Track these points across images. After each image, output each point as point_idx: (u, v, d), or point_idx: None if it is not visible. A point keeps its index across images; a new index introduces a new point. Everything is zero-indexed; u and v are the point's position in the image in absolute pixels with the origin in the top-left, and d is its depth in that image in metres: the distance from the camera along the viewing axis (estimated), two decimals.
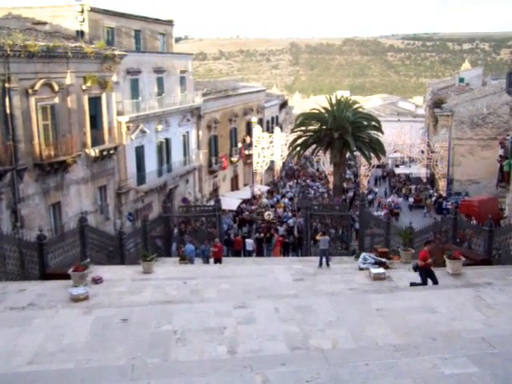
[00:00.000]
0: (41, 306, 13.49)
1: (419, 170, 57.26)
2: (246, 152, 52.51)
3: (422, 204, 47.49)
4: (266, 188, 51.82)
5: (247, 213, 40.60)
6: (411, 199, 48.96)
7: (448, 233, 22.69)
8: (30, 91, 24.92)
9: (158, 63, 37.46)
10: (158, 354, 9.86)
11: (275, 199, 46.77)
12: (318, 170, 64.14)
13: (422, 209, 46.04)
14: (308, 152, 48.02)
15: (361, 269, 19.02)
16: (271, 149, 51.42)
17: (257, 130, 52.33)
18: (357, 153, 45.51)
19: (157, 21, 40.52)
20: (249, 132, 53.74)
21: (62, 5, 32.30)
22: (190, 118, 41.45)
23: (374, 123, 43.71)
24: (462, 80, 66.30)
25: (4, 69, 23.42)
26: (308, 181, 57.07)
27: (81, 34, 31.66)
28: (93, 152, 29.60)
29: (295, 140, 44.71)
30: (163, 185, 37.34)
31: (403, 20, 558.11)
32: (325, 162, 51.15)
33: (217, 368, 8.92)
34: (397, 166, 66.84)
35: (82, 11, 31.38)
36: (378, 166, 56.10)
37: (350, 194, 48.65)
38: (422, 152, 50.22)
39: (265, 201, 45.47)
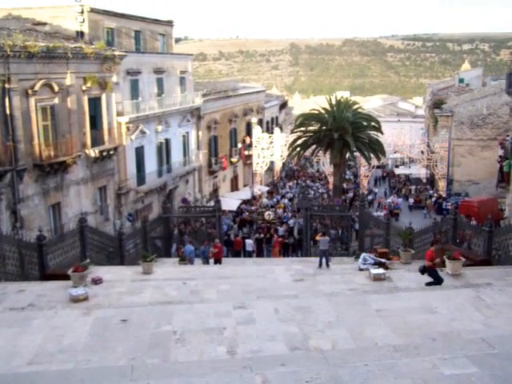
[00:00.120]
0: (40, 307, 13.48)
1: (419, 171, 57.31)
2: (246, 152, 52.54)
3: (422, 204, 47.49)
4: (266, 188, 51.85)
5: (247, 213, 40.61)
6: (411, 200, 48.98)
7: (448, 233, 22.66)
8: (29, 92, 24.92)
9: (158, 64, 37.48)
10: (157, 354, 9.86)
11: (275, 200, 46.78)
12: (318, 171, 64.16)
13: (422, 209, 46.03)
14: (308, 152, 48.03)
15: (360, 269, 19.00)
16: (271, 149, 51.43)
17: (257, 130, 52.35)
18: (357, 153, 45.55)
19: (157, 21, 40.54)
20: (249, 132, 53.77)
21: (62, 5, 32.30)
22: (189, 118, 41.46)
23: (373, 124, 43.71)
24: (461, 80, 66.38)
25: (4, 69, 23.44)
26: (308, 181, 57.09)
27: (81, 34, 31.67)
28: (93, 152, 29.61)
29: (295, 140, 44.70)
30: (163, 185, 37.35)
31: (403, 20, 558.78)
32: (325, 162, 51.18)
33: (216, 368, 8.92)
34: (397, 166, 66.92)
35: (82, 12, 31.39)
36: (378, 167, 56.13)
37: (350, 194, 48.67)
38: (422, 152, 50.25)
39: (265, 201, 45.48)
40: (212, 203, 32.70)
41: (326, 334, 10.79)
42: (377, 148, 42.80)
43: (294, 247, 32.25)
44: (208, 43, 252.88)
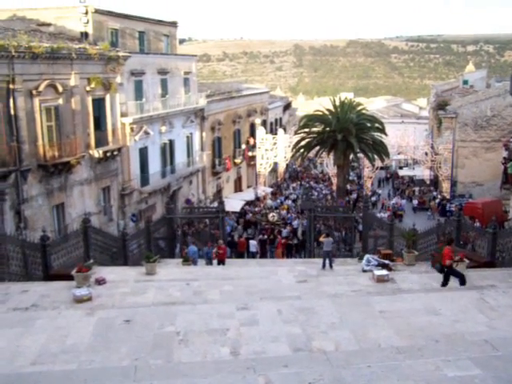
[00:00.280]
0: (44, 307, 13.50)
1: (423, 172, 57.24)
2: (250, 153, 52.55)
3: (426, 206, 47.38)
4: (270, 189, 51.85)
5: (251, 214, 40.61)
6: (415, 201, 48.86)
7: (452, 235, 22.62)
8: (34, 92, 24.97)
9: (162, 65, 37.52)
10: (160, 355, 9.86)
11: (279, 201, 46.76)
12: (322, 172, 64.12)
13: (426, 211, 45.94)
14: (311, 154, 47.95)
15: (364, 271, 18.98)
16: (275, 150, 51.43)
17: (260, 131, 52.37)
18: (360, 155, 45.43)
19: (161, 22, 40.57)
20: (252, 134, 53.78)
21: (67, 6, 32.33)
22: (193, 119, 41.50)
23: (377, 125, 43.64)
24: (466, 82, 66.19)
25: (8, 70, 23.49)
26: (311, 182, 57.06)
27: (85, 35, 31.70)
28: (96, 153, 29.66)
29: (299, 142, 44.66)
30: (167, 186, 37.39)
31: (407, 22, 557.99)
32: (328, 163, 51.15)
33: (219, 369, 8.93)
34: (400, 167, 66.84)
35: (87, 13, 31.43)
36: (382, 168, 56.06)
37: (354, 195, 48.64)
38: (426, 154, 50.19)
39: (269, 202, 45.50)
40: (215, 204, 32.71)
41: (329, 335, 10.78)
42: (380, 149, 42.74)
43: (297, 248, 32.24)
44: (212, 44, 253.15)
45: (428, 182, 56.40)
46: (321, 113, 44.61)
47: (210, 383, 8.38)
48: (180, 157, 39.91)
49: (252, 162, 53.25)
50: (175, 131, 38.94)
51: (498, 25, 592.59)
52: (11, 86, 23.62)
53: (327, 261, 20.35)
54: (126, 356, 9.82)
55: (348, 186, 50.09)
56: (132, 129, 33.01)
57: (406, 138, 50.63)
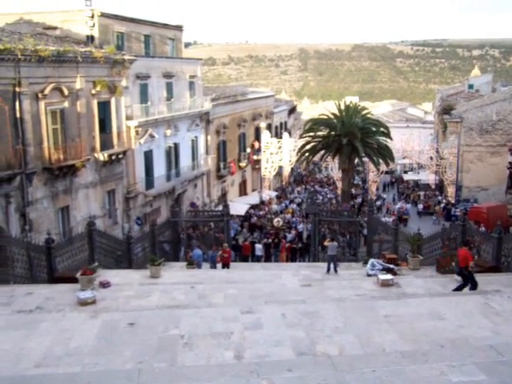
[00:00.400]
0: (48, 310, 13.52)
1: (428, 177, 57.11)
2: (255, 157, 52.57)
3: (431, 211, 47.28)
4: (274, 193, 51.85)
5: (255, 218, 40.61)
6: (420, 206, 48.76)
7: (457, 239, 22.57)
8: (39, 95, 25.06)
9: (168, 68, 37.60)
10: (164, 358, 9.86)
11: (283, 205, 46.74)
12: (327, 176, 64.06)
13: (431, 215, 45.84)
14: (316, 158, 47.92)
15: (369, 275, 18.96)
16: (280, 154, 51.45)
17: (265, 135, 52.40)
18: (365, 159, 45.39)
19: (166, 26, 40.66)
20: (257, 137, 53.81)
21: (73, 10, 32.47)
22: (198, 122, 41.55)
23: (382, 129, 43.59)
24: (471, 86, 66.07)
25: (15, 73, 23.58)
26: (316, 186, 57.05)
27: (91, 38, 31.81)
28: (102, 156, 29.72)
29: (304, 146, 44.64)
30: (171, 189, 37.43)
31: (412, 26, 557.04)
32: (333, 167, 51.13)
33: (223, 373, 8.92)
34: (405, 172, 66.73)
35: (92, 16, 31.54)
36: (387, 172, 56.03)
37: (359, 199, 48.59)
38: (431, 158, 50.10)
39: (274, 207, 45.51)
40: (220, 208, 32.71)
41: (334, 339, 10.76)
42: (385, 154, 42.69)
43: (301, 252, 32.21)
44: (217, 48, 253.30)
45: (433, 187, 56.28)
46: (326, 117, 44.60)
47: None
48: (185, 160, 39.95)
49: (257, 166, 53.27)
50: (180, 135, 39.00)
51: (503, 29, 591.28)
52: (17, 89, 23.71)
53: (332, 265, 20.34)
54: (129, 359, 9.82)
55: (353, 191, 50.04)
56: (137, 132, 33.07)
57: (411, 143, 50.59)
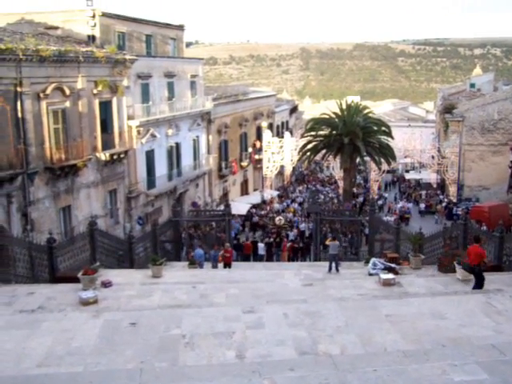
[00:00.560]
0: (50, 309, 13.52)
1: (429, 176, 57.11)
2: (256, 157, 52.57)
3: (433, 210, 47.25)
4: (276, 193, 51.85)
5: (257, 218, 40.62)
6: (422, 205, 48.71)
7: (458, 239, 22.55)
8: (41, 95, 25.08)
9: (169, 68, 37.59)
10: (166, 358, 9.86)
11: (285, 204, 46.74)
12: (330, 175, 64.03)
13: (433, 214, 45.81)
14: (318, 157, 47.95)
15: (370, 274, 18.94)
16: (281, 154, 51.46)
17: (267, 134, 52.41)
18: (367, 158, 45.40)
19: (168, 25, 40.66)
20: (259, 137, 53.82)
21: (74, 10, 32.49)
22: (200, 122, 41.55)
23: (384, 128, 43.60)
24: (472, 85, 66.07)
25: (16, 73, 23.59)
26: (318, 186, 57.03)
27: (92, 38, 31.82)
28: (103, 156, 29.73)
29: (305, 145, 44.68)
30: (173, 189, 37.43)
31: (414, 25, 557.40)
32: (335, 167, 51.11)
33: (225, 373, 8.91)
34: (407, 171, 66.69)
35: (94, 16, 31.55)
36: (388, 172, 55.97)
37: (360, 199, 48.55)
38: (433, 157, 50.10)
39: (276, 206, 45.53)
40: (222, 207, 32.71)
41: (335, 338, 10.75)
42: (387, 153, 42.70)
43: (302, 251, 32.21)
44: (219, 47, 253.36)
45: (435, 186, 56.27)
46: (327, 116, 44.64)
47: None
48: (186, 160, 39.95)
49: (258, 165, 53.28)
50: (182, 134, 39.00)
51: (505, 28, 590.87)
52: (19, 89, 23.72)
53: (333, 264, 20.34)
54: (131, 359, 9.82)
55: (354, 190, 50.04)
56: (139, 132, 33.07)
57: (412, 142, 50.57)
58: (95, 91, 29.25)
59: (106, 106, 30.46)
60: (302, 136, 47.61)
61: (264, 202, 47.41)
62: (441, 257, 20.15)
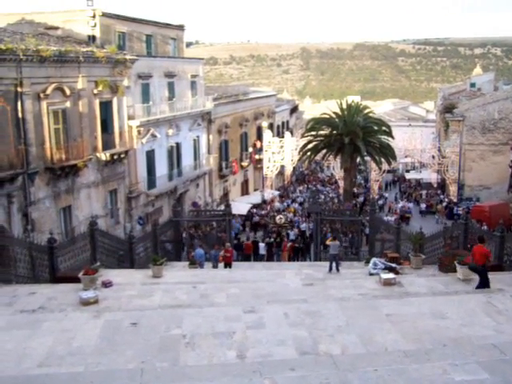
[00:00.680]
0: (51, 309, 13.51)
1: (430, 175, 57.13)
2: (257, 157, 52.60)
3: (433, 209, 47.23)
4: (277, 192, 51.85)
5: (257, 217, 40.62)
6: (423, 205, 48.69)
7: (459, 238, 22.55)
8: (41, 95, 25.08)
9: (169, 68, 37.60)
10: (167, 358, 9.85)
11: (285, 204, 46.74)
12: (330, 175, 64.03)
13: (433, 214, 45.80)
14: (318, 157, 47.96)
15: (371, 274, 18.93)
16: (281, 153, 51.48)
17: (267, 134, 52.42)
18: (367, 158, 45.40)
19: (168, 26, 40.66)
20: (259, 137, 53.83)
21: (74, 10, 32.52)
22: (200, 122, 41.55)
23: (384, 128, 43.57)
24: (473, 85, 66.12)
25: (16, 73, 23.60)
26: (318, 186, 57.02)
27: (92, 38, 31.83)
28: (103, 156, 29.74)
29: (306, 145, 44.66)
30: (173, 189, 37.44)
31: (414, 25, 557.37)
32: (335, 166, 51.11)
33: (226, 373, 8.91)
34: (407, 171, 66.71)
35: (94, 16, 31.56)
36: (389, 171, 55.97)
37: (361, 199, 48.55)
38: (433, 157, 50.11)
39: (277, 204, 45.52)
40: (222, 207, 32.71)
41: (336, 338, 10.75)
42: (387, 152, 42.68)
43: (302, 251, 32.21)
44: (219, 47, 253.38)
45: (435, 186, 56.27)
46: (328, 116, 44.61)
47: None
48: (187, 160, 39.96)
49: (259, 165, 53.29)
50: (182, 134, 39.01)
51: (505, 28, 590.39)
52: (19, 89, 23.73)
53: (334, 264, 20.34)
54: (132, 359, 9.82)
55: (355, 190, 50.03)
56: (139, 132, 33.08)
57: (413, 141, 50.57)
58: (95, 91, 29.26)
59: (106, 106, 30.46)
60: (303, 136, 47.59)
61: (264, 201, 47.41)
62: (441, 256, 20.16)
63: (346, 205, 39.51)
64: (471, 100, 53.79)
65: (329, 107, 53.85)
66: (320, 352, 10.04)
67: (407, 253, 22.28)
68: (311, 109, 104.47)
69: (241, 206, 42.75)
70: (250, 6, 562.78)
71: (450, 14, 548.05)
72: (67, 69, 27.00)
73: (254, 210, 43.38)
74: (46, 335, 11.04)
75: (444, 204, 47.36)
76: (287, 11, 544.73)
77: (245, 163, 50.57)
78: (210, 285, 17.24)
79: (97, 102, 29.59)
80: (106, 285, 16.35)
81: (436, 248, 23.01)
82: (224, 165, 45.99)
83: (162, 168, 36.41)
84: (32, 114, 24.50)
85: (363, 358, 9.60)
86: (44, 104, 25.36)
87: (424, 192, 54.23)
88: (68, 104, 27.10)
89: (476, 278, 16.22)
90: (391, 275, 17.37)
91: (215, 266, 23.99)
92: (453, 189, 49.29)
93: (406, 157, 54.51)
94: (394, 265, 19.52)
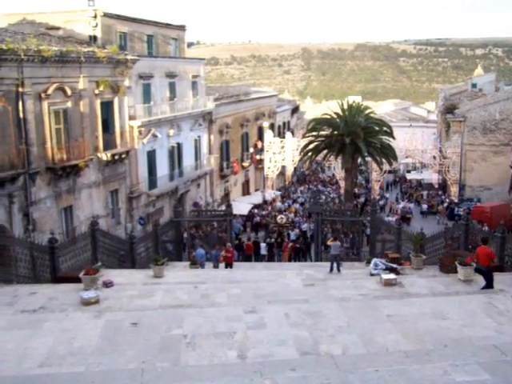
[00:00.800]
0: (52, 309, 13.53)
1: (431, 176, 57.10)
2: (258, 157, 52.59)
3: (434, 210, 47.22)
4: (279, 193, 51.85)
5: (258, 218, 40.61)
6: (424, 205, 48.67)
7: (460, 239, 22.54)
8: (42, 95, 25.08)
9: (170, 68, 37.61)
10: (168, 358, 9.86)
11: (286, 204, 46.74)
12: (331, 176, 64.03)
13: (434, 215, 45.78)
14: (319, 157, 47.95)
15: (372, 274, 18.93)
16: (282, 154, 51.46)
17: (268, 134, 52.41)
18: (368, 158, 45.40)
19: (169, 26, 40.66)
20: (260, 137, 53.83)
21: (76, 10, 32.52)
22: (201, 122, 41.56)
23: (385, 129, 43.56)
24: (474, 85, 66.06)
25: (18, 73, 23.60)
26: (319, 186, 57.01)
27: (94, 38, 31.84)
28: (105, 156, 29.74)
29: (307, 145, 44.66)
30: (174, 189, 37.44)
31: (415, 25, 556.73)
32: (336, 167, 51.11)
33: (227, 373, 8.92)
34: (408, 171, 66.71)
35: (95, 16, 31.56)
36: (390, 172, 55.95)
37: (362, 199, 48.54)
38: (434, 158, 50.07)
39: (279, 204, 45.52)
40: (223, 207, 32.71)
41: (337, 339, 10.76)
42: (388, 153, 42.67)
43: (303, 251, 32.20)
44: (220, 48, 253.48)
45: (436, 186, 56.24)
46: (329, 116, 44.60)
47: None
48: (188, 160, 39.96)
49: (260, 166, 53.29)
50: (183, 134, 39.01)
51: (507, 28, 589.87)
52: (20, 89, 23.73)
53: (335, 264, 20.33)
54: (133, 359, 9.83)
55: (356, 190, 50.02)
56: (140, 132, 33.08)
57: (414, 142, 50.56)
58: (97, 91, 29.26)
59: (107, 106, 30.46)
60: (304, 136, 47.60)
61: (265, 202, 47.41)
62: (442, 257, 20.13)
63: (346, 205, 39.50)
64: (472, 101, 53.74)
65: (330, 108, 53.92)
66: (321, 352, 10.05)
67: (408, 253, 22.27)
68: (312, 109, 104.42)
69: (242, 206, 42.74)
70: (252, 7, 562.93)
71: (451, 14, 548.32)
72: (68, 69, 27.01)
73: (255, 211, 43.37)
74: (47, 335, 11.05)
75: (445, 205, 47.33)
76: (288, 11, 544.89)
77: (246, 163, 50.59)
78: (211, 285, 17.25)
79: (98, 102, 29.59)
80: (107, 285, 16.35)
81: (437, 248, 23.00)
82: (225, 165, 46.00)
83: (163, 168, 36.41)
84: (33, 114, 24.51)
85: (364, 359, 9.61)
86: (45, 104, 25.36)
87: (425, 192, 54.21)
88: (69, 104, 27.11)
89: (477, 278, 16.25)
90: (392, 276, 17.37)
91: (216, 266, 23.98)
92: (454, 189, 49.26)
93: (406, 157, 54.47)
94: (394, 265, 19.51)
